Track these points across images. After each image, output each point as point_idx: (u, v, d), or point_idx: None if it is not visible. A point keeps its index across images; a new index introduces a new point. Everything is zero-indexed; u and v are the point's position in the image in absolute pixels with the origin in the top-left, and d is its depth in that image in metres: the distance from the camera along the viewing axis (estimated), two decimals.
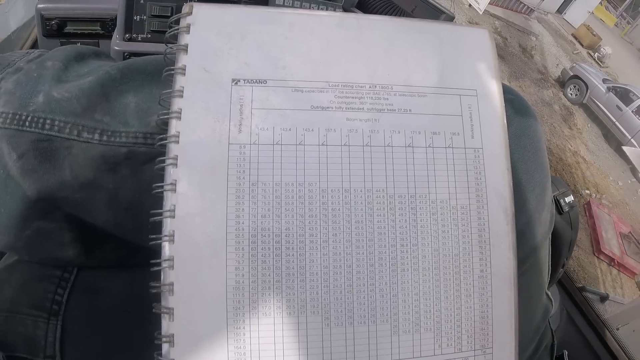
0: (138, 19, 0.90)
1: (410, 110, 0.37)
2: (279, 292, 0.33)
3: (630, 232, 4.35)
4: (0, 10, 1.13)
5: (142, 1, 0.89)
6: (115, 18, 0.93)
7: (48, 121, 0.38)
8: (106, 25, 0.98)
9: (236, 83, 0.35)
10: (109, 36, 0.96)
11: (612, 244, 4.08)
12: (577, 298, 1.00)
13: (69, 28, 0.97)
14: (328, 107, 0.36)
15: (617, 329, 1.75)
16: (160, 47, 0.90)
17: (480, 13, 6.35)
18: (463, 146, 0.38)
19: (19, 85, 0.40)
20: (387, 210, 0.35)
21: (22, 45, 1.10)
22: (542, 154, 0.48)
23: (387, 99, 0.37)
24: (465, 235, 0.37)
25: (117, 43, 0.90)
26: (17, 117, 0.38)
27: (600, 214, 4.36)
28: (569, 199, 0.60)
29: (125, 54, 0.90)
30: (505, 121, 0.40)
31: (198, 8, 0.36)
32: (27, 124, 0.38)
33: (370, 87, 0.37)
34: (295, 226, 0.34)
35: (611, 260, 3.96)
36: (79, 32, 0.98)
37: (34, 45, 1.07)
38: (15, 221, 0.39)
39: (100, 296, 0.43)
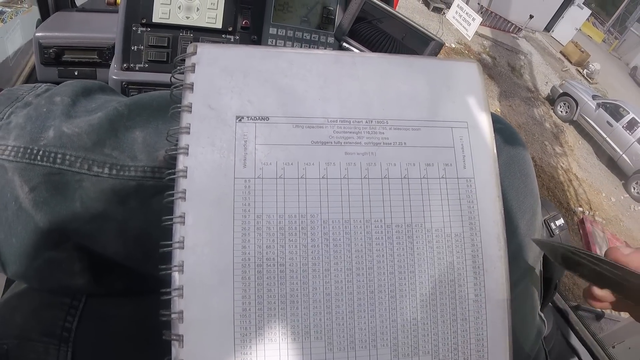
0: (135, 49, 0.92)
1: (405, 143, 0.39)
2: (284, 319, 0.35)
3: None
4: None
5: (139, 32, 0.91)
6: (113, 47, 0.96)
7: (59, 155, 0.40)
8: (103, 54, 1.00)
9: (240, 120, 0.37)
10: (106, 65, 0.99)
11: None
12: (571, 318, 1.01)
13: (67, 56, 0.99)
14: (327, 142, 0.38)
15: (613, 347, 1.75)
16: (157, 77, 0.93)
17: (469, 39, 6.44)
18: (456, 176, 0.40)
19: (29, 119, 0.41)
20: (385, 240, 0.37)
21: (20, 72, 1.12)
22: (531, 180, 0.50)
23: (383, 132, 0.39)
24: (460, 261, 0.39)
25: (115, 72, 0.92)
26: (29, 151, 0.40)
27: (593, 230, 4.38)
28: (559, 222, 0.62)
29: (123, 83, 0.92)
30: (495, 151, 0.42)
31: (202, 48, 0.39)
32: (38, 158, 0.40)
33: (366, 122, 0.39)
34: (298, 256, 0.35)
35: None
36: (76, 60, 1.00)
37: (32, 73, 1.09)
38: (27, 251, 0.41)
39: (109, 323, 0.44)
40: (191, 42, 0.96)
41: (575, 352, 1.03)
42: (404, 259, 0.37)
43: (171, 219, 0.34)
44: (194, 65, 0.38)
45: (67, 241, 0.41)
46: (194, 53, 0.38)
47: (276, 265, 0.35)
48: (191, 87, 0.37)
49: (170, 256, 0.34)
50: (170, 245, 0.34)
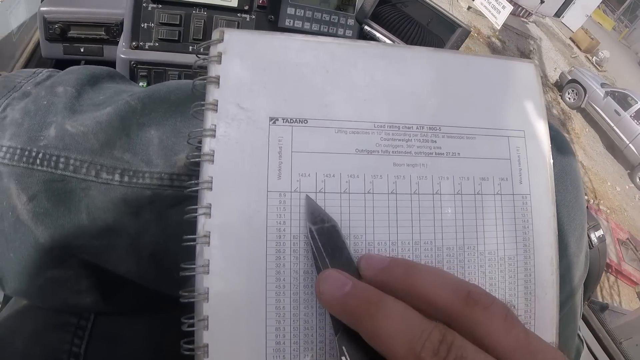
0: (145, 27, 0.88)
1: (458, 154, 0.35)
2: (323, 355, 0.30)
3: (628, 239, 4.35)
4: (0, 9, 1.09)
5: (149, 8, 0.87)
6: (121, 23, 0.92)
7: (62, 159, 0.35)
8: (111, 31, 0.96)
9: (274, 122, 0.32)
10: (113, 42, 0.94)
11: (609, 251, 4.08)
12: (590, 320, 0.98)
13: (73, 32, 0.95)
14: (374, 151, 0.33)
15: (620, 343, 1.74)
16: (168, 57, 0.89)
17: (498, 27, 6.21)
18: (511, 192, 0.36)
19: (27, 114, 0.36)
20: (435, 264, 0.33)
21: (23, 48, 1.07)
22: (581, 194, 0.46)
23: (435, 141, 0.34)
24: (512, 287, 0.35)
25: (123, 51, 0.88)
26: (27, 153, 0.34)
27: (597, 219, 4.36)
28: (599, 232, 0.57)
29: (132, 62, 0.88)
30: (552, 164, 0.37)
31: (230, 34, 0.33)
32: (37, 161, 0.34)
33: (417, 127, 0.34)
34: None
35: (609, 267, 3.96)
36: (82, 36, 0.95)
37: (36, 49, 1.04)
38: (27, 269, 0.36)
39: (120, 344, 0.40)
40: (205, 21, 0.92)
41: (589, 348, 1.01)
42: None
43: (194, 239, 0.29)
44: (220, 55, 0.32)
45: (72, 257, 0.36)
46: (221, 40, 0.32)
47: (315, 293, 0.30)
48: (217, 81, 0.32)
49: (193, 280, 0.29)
50: (193, 270, 0.29)
